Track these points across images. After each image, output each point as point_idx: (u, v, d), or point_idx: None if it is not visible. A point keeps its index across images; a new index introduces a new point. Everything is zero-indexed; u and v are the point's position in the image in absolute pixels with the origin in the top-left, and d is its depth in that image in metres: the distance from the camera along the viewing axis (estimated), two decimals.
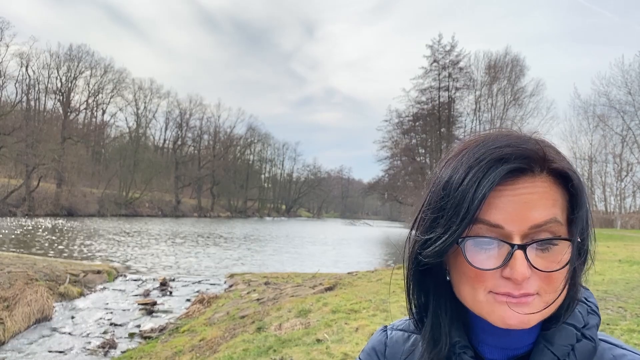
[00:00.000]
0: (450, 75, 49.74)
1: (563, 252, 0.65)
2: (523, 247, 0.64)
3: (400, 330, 0.87)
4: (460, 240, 0.66)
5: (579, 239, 0.67)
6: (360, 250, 30.98)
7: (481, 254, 0.66)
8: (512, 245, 0.64)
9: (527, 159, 0.66)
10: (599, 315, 0.73)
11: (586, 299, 0.74)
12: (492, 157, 0.66)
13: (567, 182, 0.68)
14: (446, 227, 0.67)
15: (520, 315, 0.64)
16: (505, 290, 0.65)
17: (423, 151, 53.06)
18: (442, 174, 0.71)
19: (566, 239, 0.66)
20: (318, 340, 6.01)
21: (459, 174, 0.68)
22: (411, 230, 0.75)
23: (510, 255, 0.64)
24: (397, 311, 7.10)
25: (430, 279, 0.76)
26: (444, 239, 0.67)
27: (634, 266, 11.76)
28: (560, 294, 0.66)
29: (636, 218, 42.11)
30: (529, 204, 0.65)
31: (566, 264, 0.65)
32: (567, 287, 0.67)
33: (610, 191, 49.58)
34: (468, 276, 0.67)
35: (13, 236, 25.88)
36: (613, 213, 46.92)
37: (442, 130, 50.18)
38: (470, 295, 0.68)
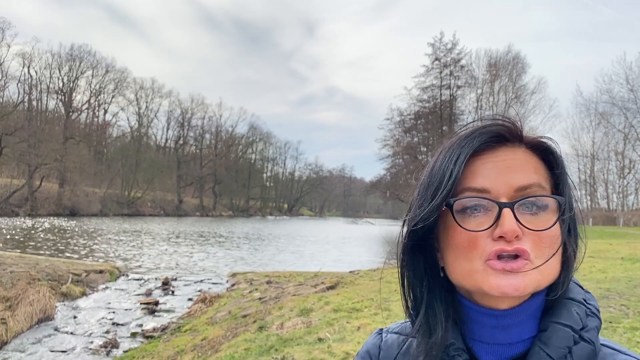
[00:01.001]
0: (451, 73, 49.72)
1: (551, 215, 0.67)
2: (511, 205, 0.66)
3: (396, 333, 0.86)
4: (449, 204, 0.69)
5: (564, 198, 0.69)
6: (362, 249, 30.97)
7: (471, 221, 0.68)
8: (500, 204, 0.66)
9: (505, 129, 0.72)
10: (599, 319, 0.71)
11: (586, 301, 0.72)
12: (472, 131, 0.72)
13: (546, 155, 0.73)
14: (433, 194, 0.70)
15: (514, 283, 0.65)
16: (498, 247, 0.66)
17: (425, 149, 53.00)
18: (431, 160, 0.75)
19: (553, 197, 0.68)
20: (320, 339, 6.00)
21: (442, 153, 0.73)
22: (405, 216, 0.76)
23: (499, 215, 0.66)
24: (399, 310, 7.10)
25: (423, 271, 0.77)
26: (432, 203, 0.70)
27: (636, 264, 11.73)
28: (550, 263, 0.67)
29: (639, 215, 42.04)
30: (511, 168, 0.69)
31: (553, 224, 0.67)
32: (558, 252, 0.68)
33: (613, 189, 49.48)
34: (462, 247, 0.69)
35: (15, 236, 25.94)
36: (615, 211, 46.79)
37: (444, 128, 50.14)
38: (466, 268, 0.69)
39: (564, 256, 0.70)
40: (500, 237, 0.66)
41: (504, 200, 0.66)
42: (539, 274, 0.66)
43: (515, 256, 0.65)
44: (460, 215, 0.69)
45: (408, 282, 0.78)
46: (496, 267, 0.65)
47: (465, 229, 0.67)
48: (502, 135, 0.71)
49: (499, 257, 0.66)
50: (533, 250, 0.66)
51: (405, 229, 0.76)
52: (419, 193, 0.74)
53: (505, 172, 0.68)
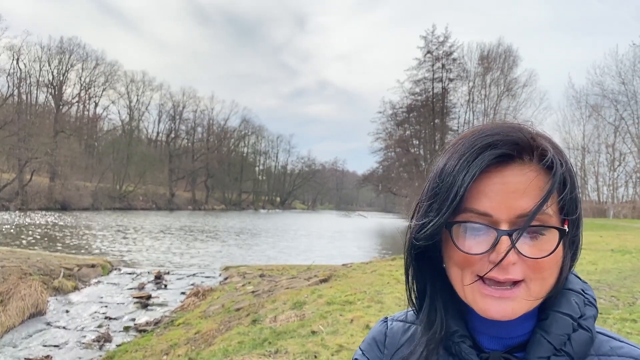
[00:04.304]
0: (443, 66, 49.79)
1: (551, 240, 0.67)
2: (509, 233, 0.66)
3: (400, 321, 0.89)
4: (449, 224, 0.70)
5: (567, 228, 0.69)
6: (355, 242, 31.03)
7: (470, 240, 0.69)
8: (499, 231, 0.66)
9: (516, 146, 0.69)
10: (596, 308, 0.75)
11: (584, 291, 0.75)
12: (482, 144, 0.69)
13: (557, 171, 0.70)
14: (438, 211, 0.70)
15: (503, 309, 0.67)
16: (491, 274, 0.67)
17: (417, 142, 53.16)
18: (439, 163, 0.74)
19: (554, 227, 0.68)
20: (313, 332, 6.02)
21: (451, 161, 0.71)
22: (411, 219, 0.78)
23: (496, 241, 0.66)
24: (392, 302, 7.14)
25: (428, 266, 0.79)
26: (434, 221, 0.70)
27: (626, 255, 11.85)
28: (547, 284, 0.69)
29: (629, 207, 42.38)
30: (517, 192, 0.67)
31: (552, 252, 0.67)
32: (557, 277, 0.70)
33: (603, 181, 49.80)
34: (457, 260, 0.70)
35: (6, 230, 25.75)
36: (606, 203, 47.12)
37: (436, 121, 50.24)
38: (458, 278, 0.71)
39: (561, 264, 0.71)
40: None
41: (504, 226, 0.66)
42: (529, 297, 0.68)
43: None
44: (460, 232, 0.70)
45: (412, 278, 0.81)
46: (484, 291, 0.68)
47: (462, 250, 0.69)
48: (513, 154, 0.69)
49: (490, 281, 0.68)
50: (528, 276, 0.67)
51: (410, 229, 0.77)
52: (426, 196, 0.74)
53: (510, 196, 0.67)
